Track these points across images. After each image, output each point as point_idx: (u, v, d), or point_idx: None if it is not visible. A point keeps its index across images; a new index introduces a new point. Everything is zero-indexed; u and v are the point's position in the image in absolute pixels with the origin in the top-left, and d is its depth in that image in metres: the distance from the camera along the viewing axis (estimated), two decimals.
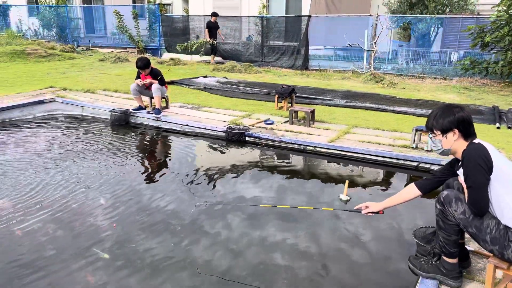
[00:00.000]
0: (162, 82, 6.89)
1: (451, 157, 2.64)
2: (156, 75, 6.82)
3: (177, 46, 14.78)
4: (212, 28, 13.91)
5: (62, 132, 6.45)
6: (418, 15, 13.39)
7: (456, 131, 2.43)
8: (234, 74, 11.67)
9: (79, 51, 16.71)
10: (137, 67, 6.71)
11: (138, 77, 6.87)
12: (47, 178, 4.53)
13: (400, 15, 13.64)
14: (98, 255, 3.15)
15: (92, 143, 5.85)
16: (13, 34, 17.63)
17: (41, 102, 7.56)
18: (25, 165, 4.92)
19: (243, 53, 14.83)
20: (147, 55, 16.16)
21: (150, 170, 5.10)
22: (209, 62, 14.12)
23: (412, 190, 2.77)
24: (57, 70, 11.47)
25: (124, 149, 5.66)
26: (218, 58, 14.99)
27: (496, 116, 6.77)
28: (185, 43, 14.58)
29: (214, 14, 13.90)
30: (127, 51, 17.20)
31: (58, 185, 4.36)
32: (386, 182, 4.89)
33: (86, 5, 21.63)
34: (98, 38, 20.19)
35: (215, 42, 14.02)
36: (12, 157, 5.21)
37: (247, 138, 5.93)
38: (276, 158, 5.54)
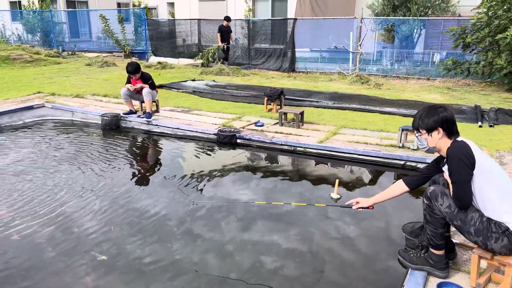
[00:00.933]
0: (153, 86, 6.96)
1: (436, 154, 2.80)
2: (146, 79, 6.89)
3: (195, 59, 14.47)
4: (224, 32, 13.43)
5: (53, 138, 6.46)
6: (401, 17, 13.68)
7: (440, 130, 2.58)
8: (222, 77, 11.77)
9: (65, 55, 16.61)
10: (128, 72, 6.77)
11: (128, 81, 6.93)
12: (40, 183, 4.56)
13: (384, 17, 13.92)
14: (96, 257, 3.21)
15: (84, 148, 5.89)
16: None
17: (30, 107, 7.55)
18: (19, 171, 4.94)
19: (230, 56, 14.93)
20: (134, 59, 16.13)
21: (143, 173, 5.16)
22: (197, 66, 14.16)
23: (400, 186, 2.91)
24: (43, 76, 11.41)
25: (116, 153, 5.71)
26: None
27: (478, 115, 7.01)
28: (200, 53, 14.34)
29: (227, 19, 13.39)
30: (114, 55, 17.15)
31: (53, 190, 4.39)
32: (374, 181, 5.04)
33: (70, 9, 21.46)
34: (84, 43, 20.08)
35: (225, 47, 13.47)
36: (4, 163, 5.21)
37: (238, 140, 6.04)
38: (267, 159, 5.65)
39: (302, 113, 6.51)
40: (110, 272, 3.04)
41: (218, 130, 6.20)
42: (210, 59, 13.77)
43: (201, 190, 4.53)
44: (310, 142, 5.66)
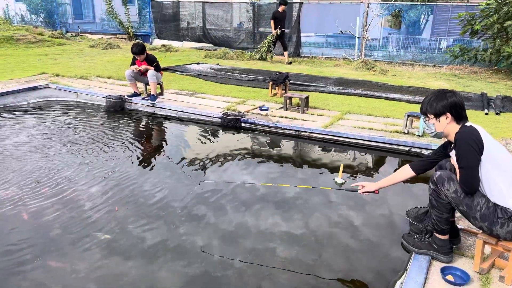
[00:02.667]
0: (158, 68, 6.91)
1: (443, 140, 2.78)
2: (151, 61, 6.85)
3: (252, 54, 12.26)
4: (278, 19, 11.48)
5: (57, 119, 6.47)
6: (409, 3, 13.50)
7: (449, 114, 2.56)
8: (226, 61, 11.69)
9: (68, 37, 16.50)
10: (133, 52, 6.72)
11: (133, 63, 6.89)
12: (46, 164, 4.58)
13: (391, 2, 13.72)
14: (100, 236, 3.24)
15: (88, 130, 5.89)
16: (0, 20, 17.31)
17: (35, 88, 7.53)
18: (25, 151, 4.96)
19: (235, 40, 14.82)
20: (138, 41, 16.02)
21: (148, 155, 5.17)
22: (201, 49, 14.04)
23: (406, 171, 2.91)
24: (47, 57, 11.36)
25: (121, 135, 5.71)
26: (209, 45, 14.94)
27: (484, 102, 6.96)
28: (255, 49, 12.43)
29: (283, 2, 11.35)
30: (117, 38, 17.04)
31: (57, 171, 4.41)
32: (379, 166, 5.04)
33: None
34: (87, 24, 19.93)
35: (278, 32, 11.50)
36: (11, 143, 5.23)
37: (243, 124, 6.03)
38: (271, 143, 5.65)
39: (307, 98, 6.47)
40: (113, 251, 3.07)
41: (223, 114, 6.18)
42: (268, 49, 11.82)
43: (206, 173, 4.54)
44: (314, 127, 5.65)
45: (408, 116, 5.39)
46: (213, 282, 2.76)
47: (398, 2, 13.75)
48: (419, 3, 13.07)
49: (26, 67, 9.62)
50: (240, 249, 3.13)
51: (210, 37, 15.31)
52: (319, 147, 5.46)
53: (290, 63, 11.57)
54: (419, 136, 5.28)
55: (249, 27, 14.76)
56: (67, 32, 17.66)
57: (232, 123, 6.03)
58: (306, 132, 5.64)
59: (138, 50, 6.66)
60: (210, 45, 14.96)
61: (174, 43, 14.91)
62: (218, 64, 10.88)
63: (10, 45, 12.88)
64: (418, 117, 5.29)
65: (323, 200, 3.93)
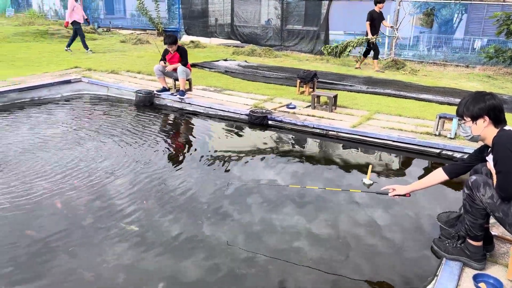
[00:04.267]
0: (185, 62, 6.96)
1: (479, 144, 2.70)
2: (183, 52, 6.92)
3: (323, 48, 11.34)
4: (376, 20, 10.03)
5: (89, 112, 6.64)
6: (442, 1, 13.14)
7: (486, 118, 2.48)
8: (254, 58, 11.70)
9: (100, 32, 16.87)
10: (165, 43, 6.84)
11: (163, 57, 6.99)
12: (78, 156, 4.70)
13: (424, 0, 13.40)
14: (128, 228, 3.31)
15: (119, 124, 6.02)
16: (35, 14, 17.87)
17: (68, 82, 7.75)
18: (57, 143, 5.11)
19: (262, 37, 14.80)
20: None
21: (176, 150, 5.24)
22: (229, 46, 14.09)
23: (440, 174, 2.84)
24: (80, 51, 11.65)
25: (150, 130, 5.81)
26: (237, 42, 14.99)
27: None
28: (329, 46, 11.15)
29: (381, 0, 9.88)
30: (147, 33, 17.30)
31: (89, 163, 4.53)
32: (408, 168, 4.94)
33: None
34: (118, 20, 20.32)
35: (379, 39, 10.37)
36: (46, 134, 5.40)
37: (270, 122, 6.02)
38: (298, 142, 5.63)
39: (335, 97, 6.41)
40: (139, 242, 3.13)
41: (250, 111, 6.20)
42: (347, 54, 10.69)
43: (233, 170, 4.56)
44: (343, 126, 5.59)
45: (440, 117, 5.27)
46: (237, 277, 2.79)
47: (431, 1, 13.41)
48: (452, 1, 12.71)
49: (60, 61, 9.90)
50: (265, 246, 3.14)
51: (239, 33, 15.34)
52: (346, 147, 5.41)
53: (382, 71, 10.12)
54: (450, 138, 5.15)
55: (277, 24, 14.71)
56: (98, 27, 18.06)
57: (259, 120, 6.04)
58: (334, 131, 5.58)
59: (171, 40, 6.77)
60: (238, 42, 15.01)
61: (202, 40, 15.03)
62: (246, 61, 10.91)
63: (45, 39, 13.28)
64: (450, 119, 5.16)
65: (350, 201, 3.88)
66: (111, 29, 18.15)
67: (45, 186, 3.94)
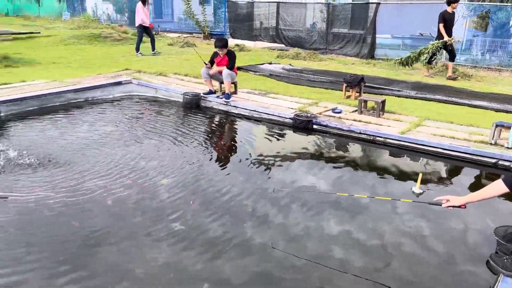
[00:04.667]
0: (233, 65, 7.04)
1: None
2: (232, 56, 7.01)
3: (394, 62, 10.28)
4: (448, 21, 9.39)
5: (139, 113, 6.88)
6: (498, 4, 12.52)
7: None
8: (298, 62, 11.66)
9: None
10: (216, 46, 6.96)
11: (212, 60, 7.11)
12: (126, 154, 4.88)
13: (478, 3, 12.82)
14: (174, 227, 3.39)
15: (167, 125, 6.19)
16: (89, 18, 18.75)
17: (119, 83, 8.06)
18: (110, 142, 5.33)
19: (307, 41, 14.73)
20: (212, 41, 16.54)
21: (221, 152, 5.32)
22: (273, 49, 14.13)
23: (499, 187, 2.70)
24: (130, 53, 12.10)
25: (196, 131, 5.93)
26: (281, 45, 15.00)
27: None
28: (399, 58, 10.13)
29: (453, 0, 9.28)
30: (193, 36, 17.67)
31: (137, 162, 4.68)
32: (460, 178, 4.74)
33: None
34: (166, 23, 20.91)
35: (452, 41, 9.41)
36: (97, 134, 5.65)
37: (315, 126, 5.97)
38: (344, 147, 5.54)
39: (383, 102, 6.26)
40: (185, 242, 3.20)
41: (295, 115, 6.18)
42: (423, 60, 9.57)
43: (277, 174, 4.56)
44: (391, 133, 5.45)
45: (497, 125, 5.01)
46: (277, 280, 2.79)
47: (486, 3, 12.81)
48: (509, 4, 12.07)
49: (112, 63, 10.32)
50: (306, 251, 3.12)
51: (283, 37, 15.37)
52: (395, 154, 5.26)
53: (455, 78, 9.37)
54: (508, 148, 4.88)
55: (322, 27, 14.60)
56: None
57: (303, 124, 6.01)
58: (381, 137, 5.45)
59: (222, 43, 6.89)
60: (282, 45, 15.02)
61: (247, 43, 15.16)
62: (290, 65, 10.89)
63: (98, 42, 13.91)
64: (508, 128, 4.89)
65: (399, 210, 3.77)
66: (159, 32, 18.70)
67: (98, 183, 4.11)
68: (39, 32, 15.47)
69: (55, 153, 4.80)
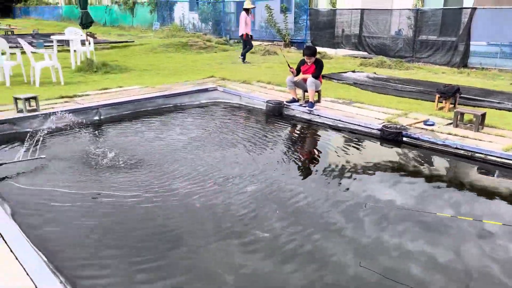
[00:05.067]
0: (319, 73, 6.94)
1: None
2: (320, 65, 6.93)
3: None
4: None
5: (224, 119, 7.06)
6: None
7: None
8: (383, 70, 11.24)
9: (231, 43, 17.96)
10: (304, 54, 6.93)
11: (298, 67, 7.08)
12: (212, 160, 5.00)
13: None
14: (259, 234, 3.38)
15: (250, 131, 6.27)
16: (177, 28, 19.81)
17: (205, 90, 8.36)
18: (197, 146, 5.52)
19: (392, 48, 14.14)
20: (293, 48, 16.60)
21: (305, 162, 5.25)
22: (355, 57, 13.77)
23: None
24: (214, 61, 12.54)
25: (279, 139, 5.94)
26: (364, 53, 14.58)
27: None
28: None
29: None
30: (274, 44, 17.86)
31: (223, 167, 4.78)
32: None
33: (238, 0, 23.07)
34: None
35: None
36: (186, 138, 5.89)
37: (404, 139, 5.66)
38: (439, 163, 5.17)
39: (483, 115, 5.75)
40: (270, 251, 3.19)
41: (383, 126, 5.91)
42: None
43: (366, 188, 4.38)
44: (492, 149, 4.97)
45: None
46: None
47: None
48: None
49: (198, 70, 10.77)
50: (379, 266, 2.99)
51: (366, 44, 14.92)
52: (497, 172, 4.79)
53: None
54: None
55: (408, 34, 13.93)
56: (230, 39, 19.26)
57: (392, 136, 5.72)
58: (481, 154, 5.00)
59: (311, 52, 6.86)
60: (365, 53, 14.60)
61: (329, 50, 14.97)
62: (375, 73, 10.52)
63: (185, 50, 14.62)
64: None
65: (501, 234, 3.40)
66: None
67: (184, 185, 4.26)
68: (133, 41, 16.69)
69: (147, 155, 5.08)
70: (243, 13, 12.18)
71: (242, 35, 12.30)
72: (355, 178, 4.58)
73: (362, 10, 15.11)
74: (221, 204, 3.92)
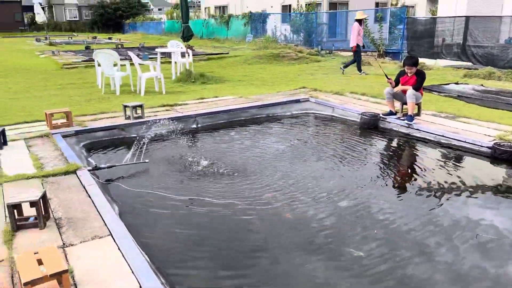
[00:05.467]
0: (418, 87, 6.52)
1: None
2: (422, 76, 6.52)
3: None
4: None
5: (316, 131, 6.96)
6: None
7: None
8: (491, 82, 10.24)
9: (323, 54, 17.81)
10: (405, 64, 6.61)
11: (397, 79, 6.73)
12: (302, 173, 4.91)
13: None
14: (353, 253, 3.24)
15: (343, 144, 6.08)
16: (269, 39, 20.21)
17: (297, 101, 8.34)
18: (288, 157, 5.49)
19: (501, 58, 12.83)
20: (387, 59, 15.93)
21: (404, 180, 4.94)
22: (458, 68, 12.76)
23: None
24: (305, 72, 12.51)
25: (374, 154, 5.67)
26: (468, 63, 13.45)
27: None
28: None
29: None
30: (367, 55, 17.33)
31: (314, 179, 4.67)
32: None
33: (331, 10, 22.88)
34: (338, 42, 21.07)
35: None
36: (279, 148, 5.90)
37: None
38: None
39: None
40: (363, 266, 3.05)
41: (494, 143, 5.33)
42: None
43: (473, 213, 3.95)
44: None
45: None
46: None
47: None
48: None
49: (289, 81, 10.82)
50: None
51: (471, 54, 13.76)
52: None
53: None
54: None
55: None
56: (321, 49, 19.12)
57: (507, 155, 5.13)
58: None
59: (412, 62, 6.50)
60: (469, 63, 13.46)
61: (427, 61, 14.09)
62: (482, 85, 9.63)
63: (277, 62, 14.82)
64: None
65: None
66: (333, 51, 18.93)
67: (278, 195, 4.23)
68: (228, 53, 17.38)
69: (241, 164, 5.18)
70: (356, 23, 11.82)
71: (353, 47, 11.95)
72: (464, 202, 4.17)
73: (467, 17, 14.00)
74: (314, 217, 3.82)
